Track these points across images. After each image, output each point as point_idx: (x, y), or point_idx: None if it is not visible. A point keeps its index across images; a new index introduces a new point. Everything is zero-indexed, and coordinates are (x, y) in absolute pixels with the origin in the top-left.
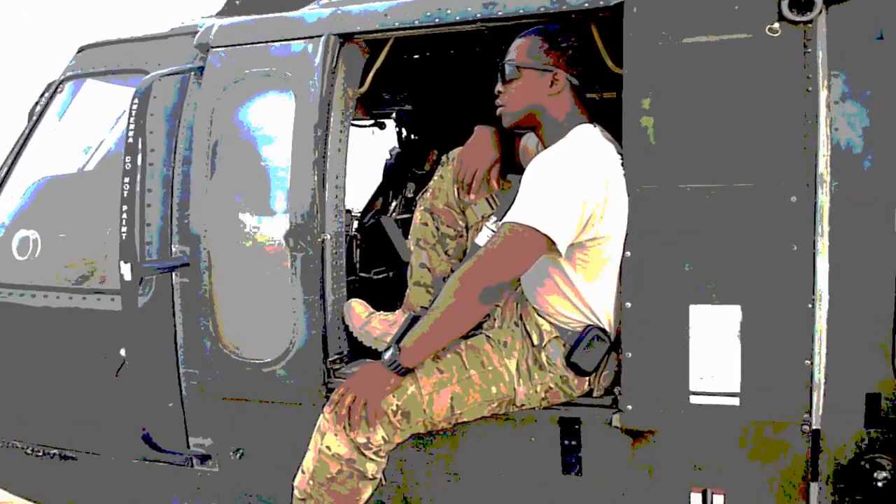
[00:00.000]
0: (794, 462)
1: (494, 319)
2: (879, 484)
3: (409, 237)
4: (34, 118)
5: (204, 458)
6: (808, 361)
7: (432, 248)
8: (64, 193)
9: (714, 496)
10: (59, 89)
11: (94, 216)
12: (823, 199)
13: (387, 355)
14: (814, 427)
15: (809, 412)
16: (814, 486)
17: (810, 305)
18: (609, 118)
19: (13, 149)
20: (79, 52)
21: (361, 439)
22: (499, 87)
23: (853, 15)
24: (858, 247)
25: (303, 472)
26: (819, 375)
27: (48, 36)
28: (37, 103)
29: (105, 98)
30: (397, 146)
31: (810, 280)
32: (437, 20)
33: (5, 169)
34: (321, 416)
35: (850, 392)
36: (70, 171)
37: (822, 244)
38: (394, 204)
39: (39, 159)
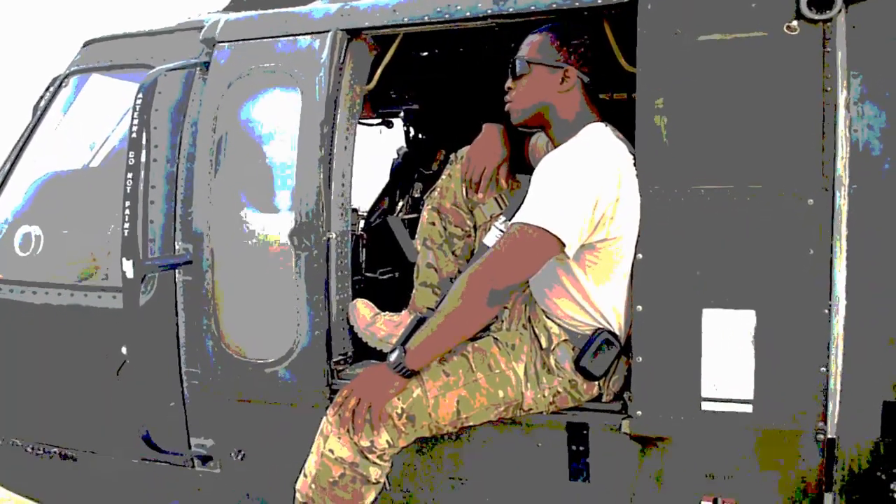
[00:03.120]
0: (808, 471)
1: (502, 321)
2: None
3: (416, 237)
4: (38, 113)
5: (205, 459)
6: (823, 368)
7: (439, 248)
8: (67, 189)
9: None
10: (63, 84)
11: (97, 212)
12: (841, 202)
13: (392, 357)
14: (829, 436)
15: (824, 420)
16: (828, 497)
17: (826, 311)
18: (619, 119)
19: (17, 144)
20: (84, 46)
21: (365, 443)
22: (509, 82)
23: (874, 14)
24: (877, 251)
25: (305, 475)
26: (835, 383)
27: (54, 30)
28: (41, 98)
29: (110, 93)
30: (405, 145)
31: (827, 285)
32: (446, 16)
33: (9, 164)
34: (324, 418)
35: (866, 400)
36: (74, 166)
37: (840, 248)
38: (401, 203)
39: (43, 154)
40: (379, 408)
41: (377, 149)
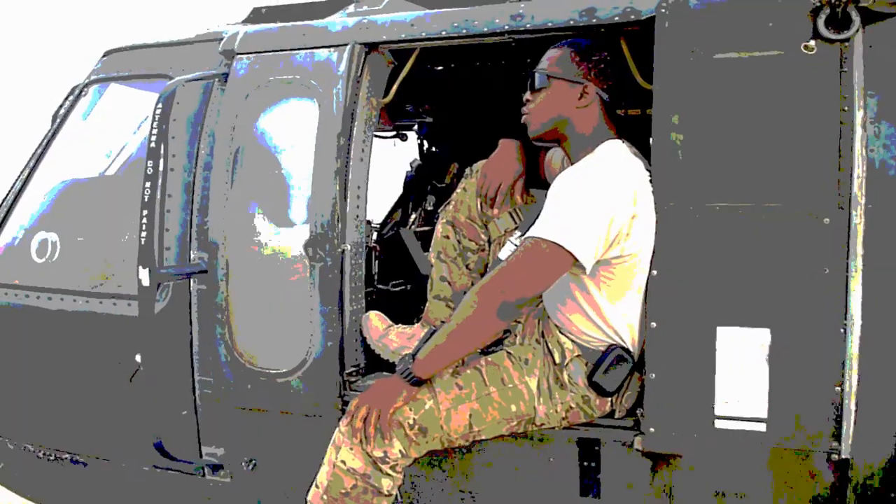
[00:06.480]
0: (821, 491)
1: (515, 336)
2: None
3: (431, 250)
4: (58, 121)
5: (216, 468)
6: (837, 388)
7: (453, 262)
8: (84, 197)
9: None
10: (83, 93)
11: (114, 220)
12: (857, 221)
13: (400, 366)
14: (843, 456)
15: (838, 440)
16: None
17: (842, 330)
18: (634, 134)
19: (36, 151)
20: (104, 55)
21: (378, 453)
22: (527, 95)
23: (891, 34)
24: (893, 270)
25: (317, 486)
26: (849, 402)
27: (75, 40)
28: (61, 106)
29: (129, 102)
30: (418, 158)
31: (842, 304)
32: (463, 31)
33: (28, 171)
34: (336, 429)
35: (881, 420)
36: (91, 174)
37: (856, 267)
38: (413, 216)
39: (62, 162)
40: (386, 414)
41: (391, 161)
